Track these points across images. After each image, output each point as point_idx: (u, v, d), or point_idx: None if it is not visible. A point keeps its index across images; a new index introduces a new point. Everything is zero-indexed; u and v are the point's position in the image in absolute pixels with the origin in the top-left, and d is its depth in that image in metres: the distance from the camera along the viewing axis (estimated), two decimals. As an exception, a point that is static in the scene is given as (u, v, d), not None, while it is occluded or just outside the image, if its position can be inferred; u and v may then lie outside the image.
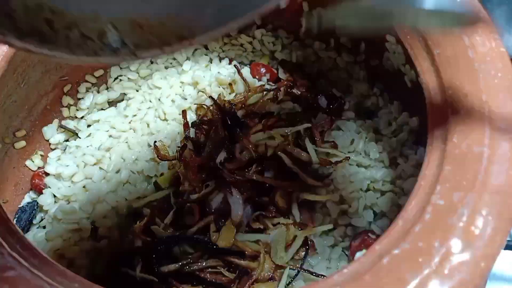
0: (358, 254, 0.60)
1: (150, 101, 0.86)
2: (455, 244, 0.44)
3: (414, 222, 0.47)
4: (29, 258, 0.47)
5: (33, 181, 0.78)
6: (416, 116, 0.74)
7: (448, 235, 0.45)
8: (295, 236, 0.67)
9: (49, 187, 0.75)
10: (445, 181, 0.48)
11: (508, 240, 0.82)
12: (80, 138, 0.82)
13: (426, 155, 0.52)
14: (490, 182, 0.47)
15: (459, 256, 0.43)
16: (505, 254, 0.82)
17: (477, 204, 0.46)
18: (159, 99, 0.85)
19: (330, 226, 0.70)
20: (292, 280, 0.65)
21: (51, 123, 0.83)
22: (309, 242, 0.67)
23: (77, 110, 0.86)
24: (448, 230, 0.45)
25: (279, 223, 0.68)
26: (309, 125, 0.76)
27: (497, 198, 0.46)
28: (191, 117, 0.80)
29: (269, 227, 0.68)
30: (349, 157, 0.73)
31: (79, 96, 0.86)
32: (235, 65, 0.87)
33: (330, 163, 0.72)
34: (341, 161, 0.72)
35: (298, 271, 0.66)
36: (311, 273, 0.65)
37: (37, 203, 0.75)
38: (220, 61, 0.92)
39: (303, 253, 0.67)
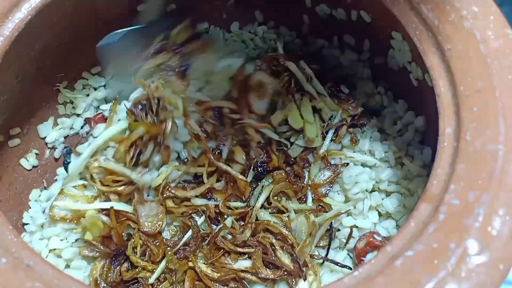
0: (369, 256, 0.58)
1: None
2: (472, 245, 0.42)
3: (427, 223, 0.45)
4: (24, 259, 0.45)
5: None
6: (422, 115, 0.72)
7: (464, 236, 0.43)
8: (313, 223, 0.66)
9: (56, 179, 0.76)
10: (459, 180, 0.46)
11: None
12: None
13: (437, 154, 0.50)
14: (506, 181, 0.45)
15: (476, 258, 0.41)
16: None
17: (494, 203, 0.44)
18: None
19: (348, 207, 0.69)
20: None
21: (47, 120, 0.80)
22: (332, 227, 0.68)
23: (73, 107, 0.83)
24: (464, 230, 0.43)
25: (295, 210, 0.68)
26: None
27: (514, 198, 0.44)
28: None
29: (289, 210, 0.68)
30: (348, 163, 0.72)
31: (75, 93, 0.84)
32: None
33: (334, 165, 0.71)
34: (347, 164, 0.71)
35: (323, 261, 0.66)
36: (336, 263, 0.65)
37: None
38: (221, 58, 0.90)
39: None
